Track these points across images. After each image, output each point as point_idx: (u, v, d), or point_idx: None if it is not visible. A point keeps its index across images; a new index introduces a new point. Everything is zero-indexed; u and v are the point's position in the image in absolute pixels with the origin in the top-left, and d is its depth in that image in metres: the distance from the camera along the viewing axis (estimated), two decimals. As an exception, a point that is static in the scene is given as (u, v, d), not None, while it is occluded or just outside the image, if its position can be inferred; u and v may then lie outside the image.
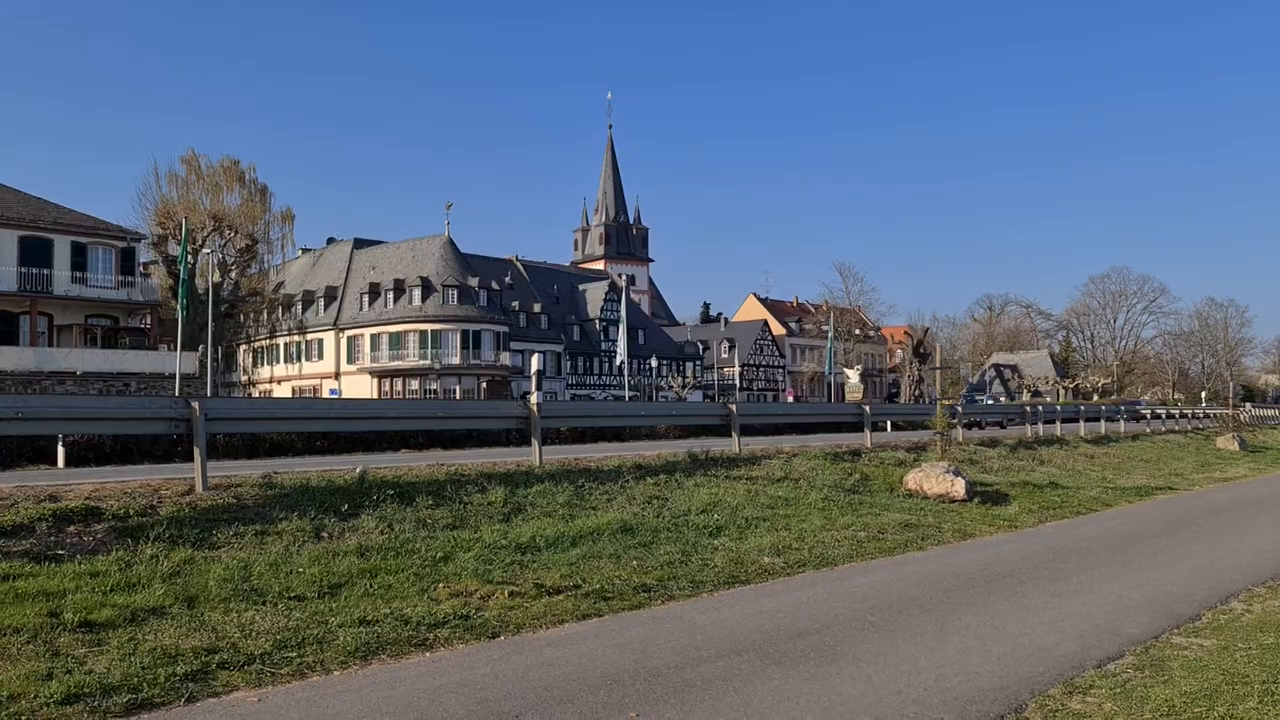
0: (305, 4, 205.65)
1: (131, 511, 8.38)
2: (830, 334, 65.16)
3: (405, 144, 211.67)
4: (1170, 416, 42.94)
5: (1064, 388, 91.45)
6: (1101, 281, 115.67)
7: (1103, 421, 32.90)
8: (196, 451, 9.38)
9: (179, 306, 34.80)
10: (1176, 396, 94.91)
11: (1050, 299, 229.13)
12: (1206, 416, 47.52)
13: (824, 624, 7.02)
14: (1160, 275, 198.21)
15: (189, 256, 36.79)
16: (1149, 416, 40.22)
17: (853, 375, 76.63)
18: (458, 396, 67.44)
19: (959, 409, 24.92)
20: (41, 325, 42.90)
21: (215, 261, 53.45)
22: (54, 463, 16.19)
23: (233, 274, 57.56)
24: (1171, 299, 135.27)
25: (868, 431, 19.78)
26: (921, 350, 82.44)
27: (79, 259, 43.47)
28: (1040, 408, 30.39)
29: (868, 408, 20.80)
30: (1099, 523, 14.09)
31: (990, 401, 51.68)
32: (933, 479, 14.83)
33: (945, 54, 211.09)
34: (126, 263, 45.65)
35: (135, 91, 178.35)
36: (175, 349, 38.40)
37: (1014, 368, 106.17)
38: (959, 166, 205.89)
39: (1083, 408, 36.00)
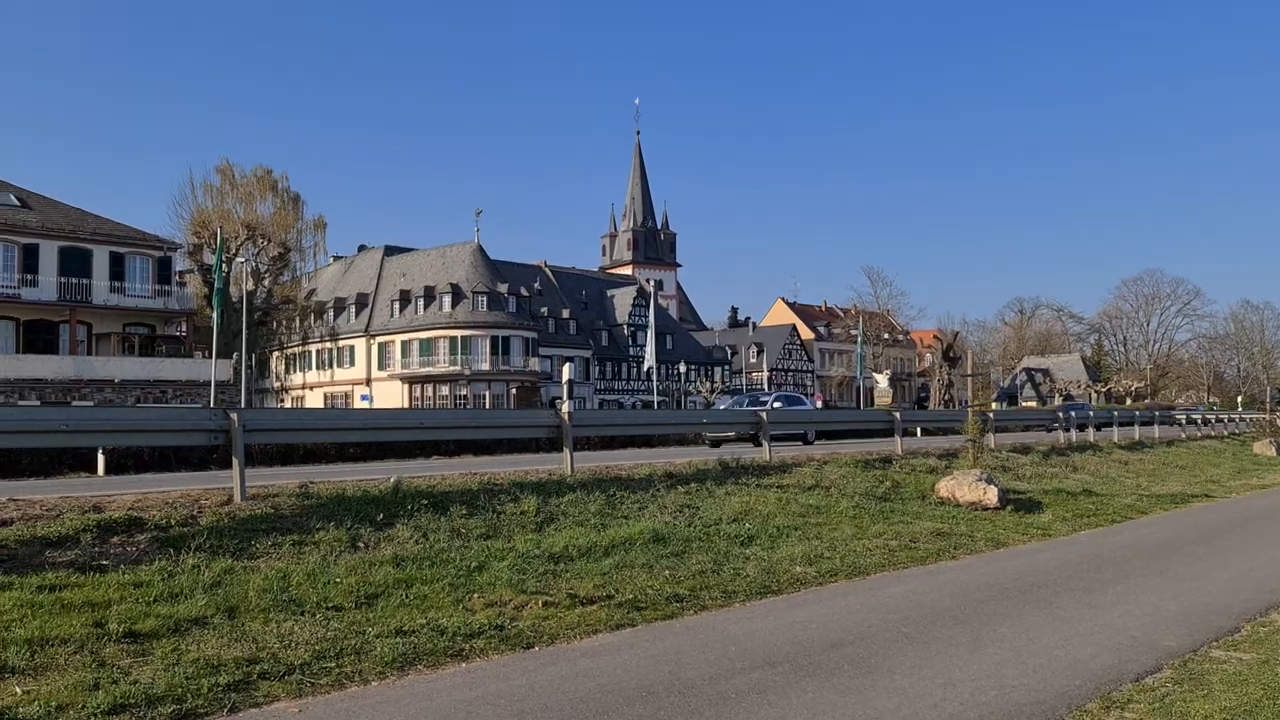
0: (331, 19, 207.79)
1: (173, 522, 8.52)
2: (859, 338, 64.95)
3: (435, 152, 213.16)
4: (1206, 421, 42.36)
5: (1096, 392, 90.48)
6: (1134, 284, 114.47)
7: (1136, 426, 32.54)
8: (235, 462, 9.51)
9: (214, 314, 35.24)
10: (1212, 401, 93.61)
11: (1081, 302, 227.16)
12: (1243, 421, 46.86)
13: (857, 635, 7.01)
14: (1194, 277, 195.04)
15: (223, 265, 37.26)
16: (1184, 421, 39.71)
17: (881, 380, 76.39)
18: (487, 402, 67.85)
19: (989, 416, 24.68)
20: (81, 334, 43.61)
21: (249, 270, 54.09)
22: (94, 470, 16.49)
23: (266, 282, 58.16)
24: (1206, 301, 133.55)
25: (898, 438, 19.69)
26: (951, 354, 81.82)
27: (117, 268, 44.20)
28: (1072, 412, 30.06)
29: (898, 414, 20.71)
30: (1134, 531, 13.96)
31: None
32: (965, 486, 14.74)
33: (971, 49, 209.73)
34: (163, 272, 46.38)
35: (167, 96, 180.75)
36: (210, 356, 38.89)
37: (1045, 371, 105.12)
38: (986, 167, 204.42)
39: (1116, 412, 35.56)
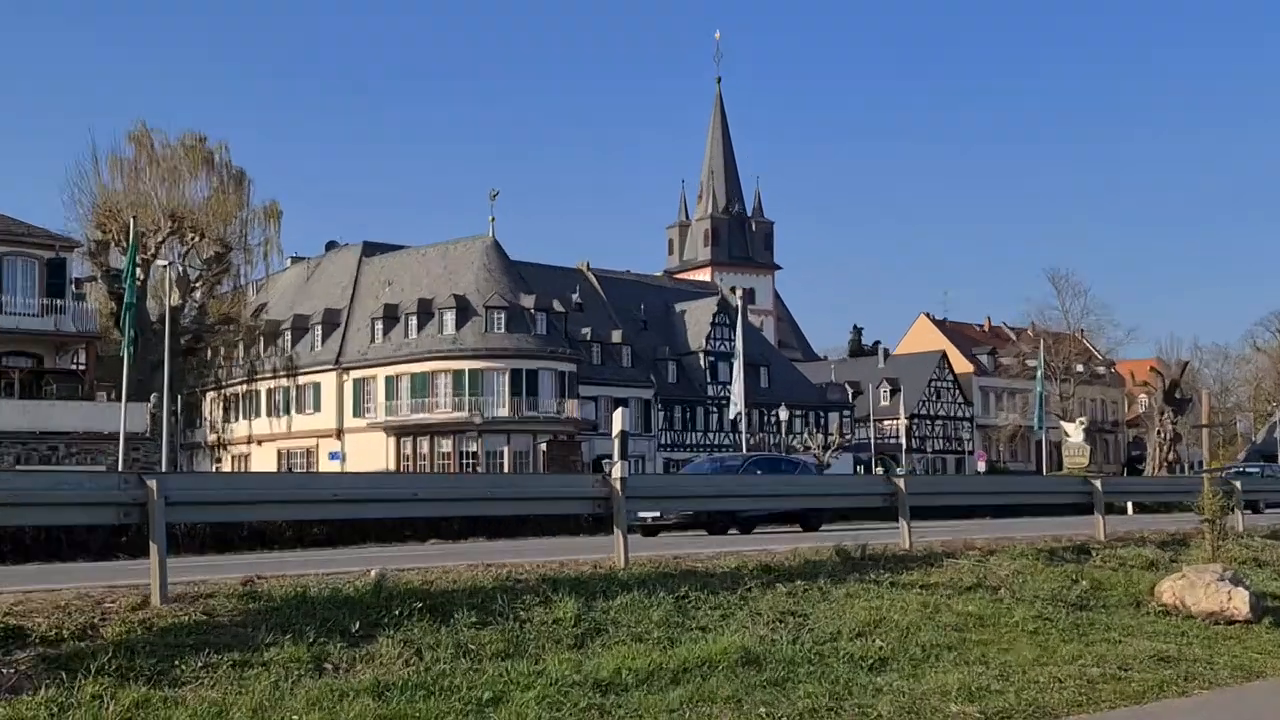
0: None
1: (66, 633, 8.65)
2: (1040, 372, 64.17)
3: (433, 117, 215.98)
4: None
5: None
6: None
7: None
8: (153, 549, 9.65)
9: (123, 339, 36.04)
10: None
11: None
12: None
13: (1043, 807, 6.90)
14: None
15: (137, 270, 38.10)
16: None
17: (1074, 432, 75.11)
18: (506, 463, 68.21)
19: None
20: (-62, 367, 44.61)
21: (173, 276, 55.10)
22: (-40, 560, 16.87)
23: (197, 293, 59.30)
24: None
25: (1099, 517, 19.42)
26: (1177, 394, 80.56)
27: (-12, 275, 45.16)
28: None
29: (1099, 482, 20.44)
30: None
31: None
32: (1199, 589, 14.50)
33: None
34: (54, 280, 47.09)
35: (77, 65, 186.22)
36: (119, 398, 39.64)
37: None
38: (1218, 120, 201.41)
39: None
